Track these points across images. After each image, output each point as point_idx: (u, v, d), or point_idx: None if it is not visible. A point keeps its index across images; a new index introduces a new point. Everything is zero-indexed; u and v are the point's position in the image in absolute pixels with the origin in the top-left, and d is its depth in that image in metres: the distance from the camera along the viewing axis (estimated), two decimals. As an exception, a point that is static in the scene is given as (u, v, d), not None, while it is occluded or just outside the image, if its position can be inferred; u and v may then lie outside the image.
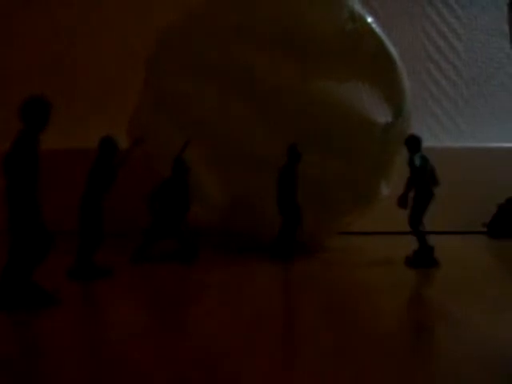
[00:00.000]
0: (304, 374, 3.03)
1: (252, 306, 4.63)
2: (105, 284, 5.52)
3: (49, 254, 4.53)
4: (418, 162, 6.56)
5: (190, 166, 6.86)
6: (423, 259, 6.37)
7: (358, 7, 7.25)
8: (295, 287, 5.36)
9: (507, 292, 5.19)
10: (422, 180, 6.57)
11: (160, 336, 3.85)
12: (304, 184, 7.01)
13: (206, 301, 4.95)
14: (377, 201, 7.32)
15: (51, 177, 6.17)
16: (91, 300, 5.21)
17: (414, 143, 6.66)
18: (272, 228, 7.00)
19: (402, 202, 6.63)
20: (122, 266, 6.19)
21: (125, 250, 6.74)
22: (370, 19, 7.26)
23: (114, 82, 8.97)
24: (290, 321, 4.14)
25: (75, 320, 4.26)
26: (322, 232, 7.55)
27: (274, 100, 7.07)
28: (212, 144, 7.23)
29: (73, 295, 4.97)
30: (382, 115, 7.09)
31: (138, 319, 4.33)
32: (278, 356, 3.33)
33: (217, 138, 7.19)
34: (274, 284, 5.49)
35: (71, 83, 9.27)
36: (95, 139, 5.94)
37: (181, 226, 6.83)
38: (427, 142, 6.74)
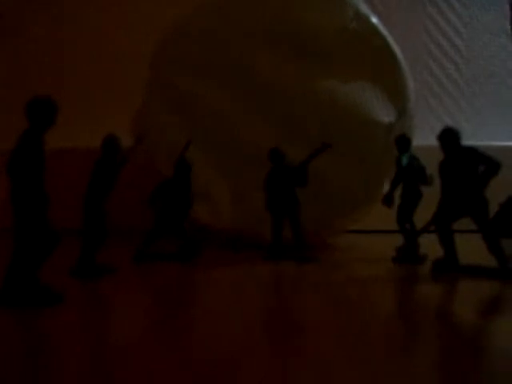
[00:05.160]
0: (305, 373, 3.05)
1: (254, 304, 4.65)
2: (108, 282, 5.54)
3: (53, 252, 4.57)
4: (404, 161, 6.60)
5: (194, 166, 6.86)
6: (409, 256, 6.49)
7: (363, 6, 7.26)
8: (297, 286, 5.38)
9: (507, 292, 5.21)
10: (409, 179, 6.59)
11: (162, 335, 3.86)
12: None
13: (209, 300, 4.97)
14: (380, 200, 7.33)
15: (54, 176, 6.18)
16: (94, 298, 5.22)
17: (403, 143, 6.68)
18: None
19: (387, 200, 6.67)
20: (124, 265, 6.22)
21: (128, 248, 6.77)
22: (374, 19, 7.27)
23: (117, 81, 8.99)
24: (290, 320, 4.16)
25: (78, 318, 4.27)
26: (325, 230, 7.57)
27: (276, 100, 7.09)
28: (214, 143, 7.24)
29: (76, 294, 4.97)
30: (385, 115, 7.10)
31: (141, 318, 4.35)
32: (278, 355, 3.34)
33: (219, 137, 7.20)
34: (275, 282, 5.51)
35: (74, 82, 9.29)
36: (98, 138, 5.95)
37: (183, 225, 6.86)
38: (428, 141, 6.78)
